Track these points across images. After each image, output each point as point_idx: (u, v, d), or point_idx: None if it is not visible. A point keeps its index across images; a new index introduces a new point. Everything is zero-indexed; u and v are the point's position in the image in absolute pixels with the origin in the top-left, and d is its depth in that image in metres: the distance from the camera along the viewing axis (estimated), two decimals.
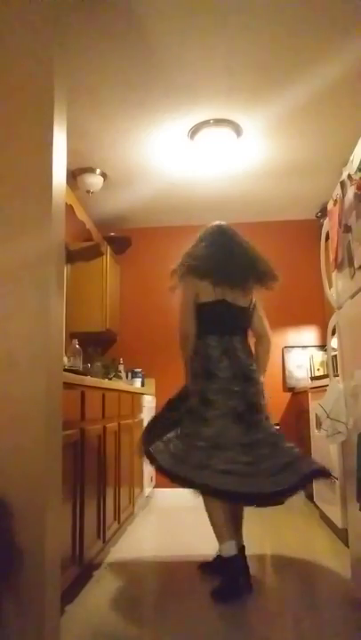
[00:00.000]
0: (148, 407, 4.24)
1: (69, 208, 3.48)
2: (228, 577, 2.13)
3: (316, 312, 4.65)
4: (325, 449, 3.04)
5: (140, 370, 4.48)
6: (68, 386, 2.06)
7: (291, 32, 2.41)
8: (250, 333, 2.46)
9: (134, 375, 4.43)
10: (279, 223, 4.84)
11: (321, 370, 4.45)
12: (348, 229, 2.04)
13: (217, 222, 2.54)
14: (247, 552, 2.25)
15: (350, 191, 2.00)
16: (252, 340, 2.47)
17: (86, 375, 2.98)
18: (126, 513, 3.16)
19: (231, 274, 2.32)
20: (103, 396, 2.73)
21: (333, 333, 2.37)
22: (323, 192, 3.96)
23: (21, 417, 1.61)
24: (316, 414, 2.41)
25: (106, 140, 3.36)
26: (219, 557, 2.22)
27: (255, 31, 2.40)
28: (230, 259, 2.35)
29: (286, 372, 4.66)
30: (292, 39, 2.46)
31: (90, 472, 2.35)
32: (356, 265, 1.95)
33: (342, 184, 2.14)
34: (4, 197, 1.73)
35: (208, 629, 1.90)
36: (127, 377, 4.40)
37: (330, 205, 2.38)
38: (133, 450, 3.03)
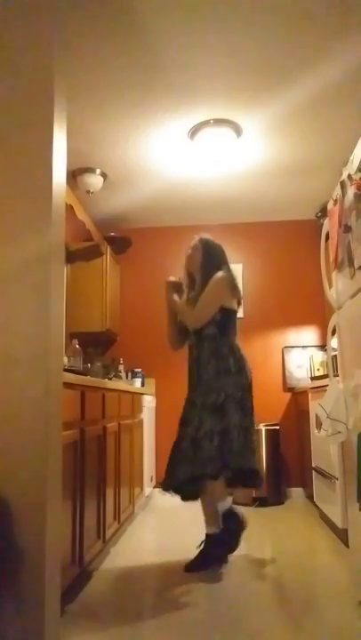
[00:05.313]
0: (148, 407, 4.24)
1: (69, 208, 3.47)
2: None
3: (317, 312, 4.64)
4: (325, 449, 3.04)
5: (140, 370, 4.48)
6: (68, 386, 2.06)
7: (291, 32, 2.41)
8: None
9: (134, 375, 4.43)
10: (279, 223, 4.83)
11: (321, 370, 4.44)
12: (348, 229, 2.04)
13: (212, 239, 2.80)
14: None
15: (350, 191, 2.01)
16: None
17: (86, 375, 2.98)
18: (126, 513, 3.16)
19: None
20: (103, 396, 2.73)
21: (333, 333, 2.38)
22: (323, 192, 3.96)
23: (21, 417, 1.61)
24: (316, 414, 2.41)
25: (106, 140, 3.36)
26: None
27: (255, 31, 2.40)
28: None
29: (286, 372, 4.65)
30: (293, 39, 2.46)
31: (90, 472, 2.35)
32: (356, 265, 1.95)
33: (342, 184, 2.14)
34: (4, 197, 1.73)
35: (208, 630, 1.90)
36: (127, 377, 4.40)
37: (330, 205, 2.38)
38: None
